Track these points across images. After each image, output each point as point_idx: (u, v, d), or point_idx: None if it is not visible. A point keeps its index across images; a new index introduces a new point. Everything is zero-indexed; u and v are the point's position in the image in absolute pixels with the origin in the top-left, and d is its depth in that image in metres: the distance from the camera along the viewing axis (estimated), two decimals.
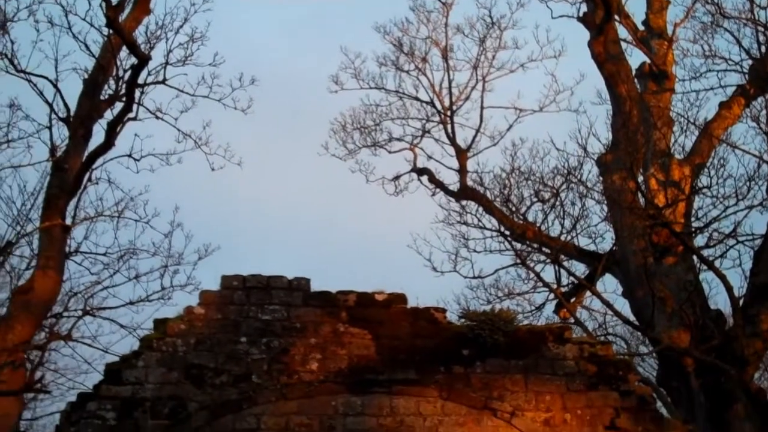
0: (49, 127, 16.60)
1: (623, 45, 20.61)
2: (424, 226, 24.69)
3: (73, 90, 16.71)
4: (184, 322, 12.51)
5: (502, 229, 20.33)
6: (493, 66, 22.68)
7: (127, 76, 16.24)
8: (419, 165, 22.58)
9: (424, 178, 22.37)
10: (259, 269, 12.76)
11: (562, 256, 19.66)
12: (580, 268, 20.51)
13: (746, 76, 19.87)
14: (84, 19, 16.26)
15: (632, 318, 17.79)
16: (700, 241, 18.40)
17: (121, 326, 18.45)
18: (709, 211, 18.61)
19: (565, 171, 20.34)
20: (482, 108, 22.15)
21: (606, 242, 20.30)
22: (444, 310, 13.12)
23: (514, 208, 20.62)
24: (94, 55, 16.74)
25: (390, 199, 23.66)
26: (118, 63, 16.76)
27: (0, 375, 13.43)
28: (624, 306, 18.39)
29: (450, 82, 22.52)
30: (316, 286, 12.91)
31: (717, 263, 16.91)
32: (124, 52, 16.56)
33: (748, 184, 17.71)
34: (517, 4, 22.68)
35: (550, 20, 22.26)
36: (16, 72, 16.45)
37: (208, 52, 19.58)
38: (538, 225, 20.05)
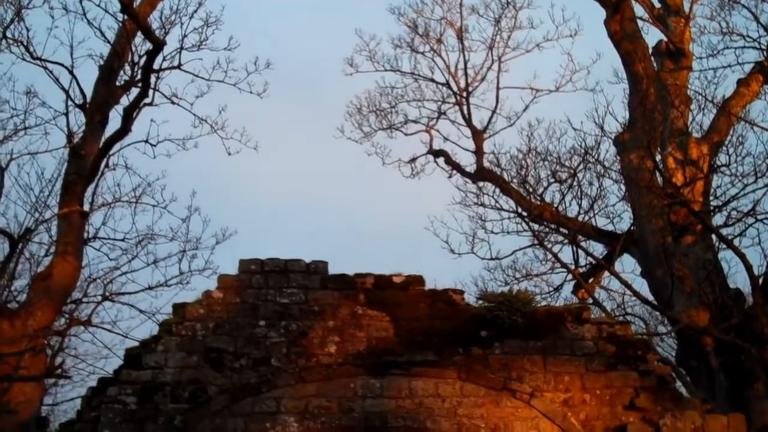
0: (66, 114, 16.61)
1: (640, 23, 20.38)
2: (441, 209, 24.70)
3: (89, 76, 16.73)
4: (203, 306, 12.56)
5: (520, 210, 20.33)
6: (509, 46, 22.65)
7: (142, 61, 16.22)
8: (435, 147, 22.56)
9: (441, 160, 22.37)
10: (277, 253, 12.85)
11: (580, 237, 19.64)
12: (598, 249, 20.50)
13: (764, 52, 19.64)
14: (99, 5, 16.23)
15: (651, 298, 17.71)
16: (718, 219, 18.28)
17: (140, 311, 18.67)
18: (727, 189, 18.46)
19: (582, 151, 20.34)
20: (498, 89, 22.11)
21: (624, 222, 20.29)
22: (462, 292, 13.12)
23: (531, 189, 20.61)
24: (109, 41, 16.72)
25: (406, 181, 23.65)
26: (134, 49, 16.72)
27: (21, 361, 13.49)
28: (642, 286, 18.33)
29: (465, 63, 22.49)
30: (333, 269, 12.95)
31: (736, 242, 16.84)
32: (139, 37, 16.51)
33: (767, 161, 17.57)
34: None
35: None
36: (32, 59, 16.44)
37: (223, 36, 19.60)
38: (555, 206, 20.03)
